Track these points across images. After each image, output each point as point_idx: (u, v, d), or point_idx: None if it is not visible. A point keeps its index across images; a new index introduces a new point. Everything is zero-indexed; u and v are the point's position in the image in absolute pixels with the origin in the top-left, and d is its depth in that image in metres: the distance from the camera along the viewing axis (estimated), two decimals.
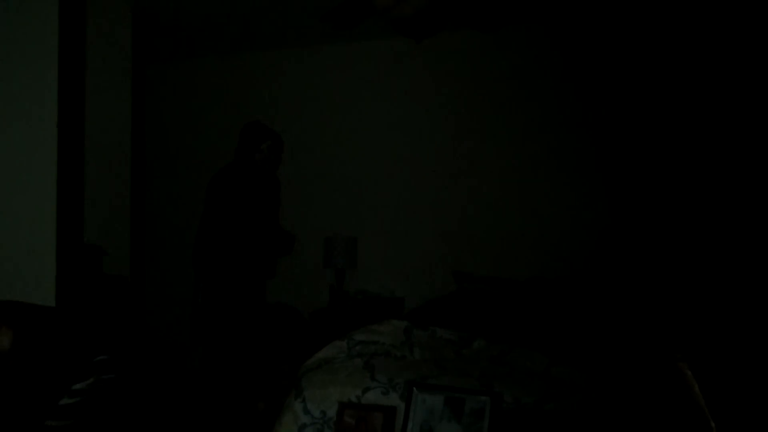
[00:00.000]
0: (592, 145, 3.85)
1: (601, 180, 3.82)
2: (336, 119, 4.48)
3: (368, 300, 4.10)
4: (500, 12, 3.73)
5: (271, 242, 3.60)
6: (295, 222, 4.29)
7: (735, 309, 3.09)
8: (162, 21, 4.07)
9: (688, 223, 3.57)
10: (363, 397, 1.98)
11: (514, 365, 2.15)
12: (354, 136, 4.44)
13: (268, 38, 4.41)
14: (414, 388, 1.89)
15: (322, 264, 4.27)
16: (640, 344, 2.51)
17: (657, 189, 3.68)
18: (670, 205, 3.64)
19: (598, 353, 2.29)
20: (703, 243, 3.50)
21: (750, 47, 3.47)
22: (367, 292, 4.20)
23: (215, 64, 4.81)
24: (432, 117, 4.24)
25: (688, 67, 3.63)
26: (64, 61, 2.76)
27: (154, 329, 4.67)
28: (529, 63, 4.01)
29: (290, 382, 2.21)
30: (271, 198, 3.64)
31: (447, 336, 2.44)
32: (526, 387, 1.92)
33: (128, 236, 3.51)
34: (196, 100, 4.88)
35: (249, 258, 3.48)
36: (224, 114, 4.76)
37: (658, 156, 3.68)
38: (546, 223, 3.91)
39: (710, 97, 3.57)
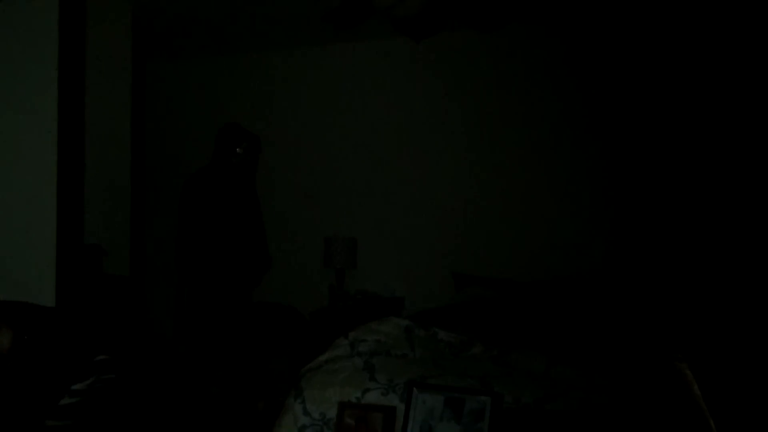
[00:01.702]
0: (592, 146, 3.85)
1: (601, 181, 3.81)
2: (336, 119, 4.48)
3: (368, 300, 4.10)
4: (500, 12, 3.73)
5: (249, 247, 3.58)
6: (296, 222, 4.29)
7: (735, 309, 3.09)
8: (162, 20, 4.07)
9: (688, 223, 3.57)
10: (363, 398, 1.98)
11: (514, 365, 2.15)
12: (354, 136, 4.44)
13: (268, 38, 4.41)
14: (414, 389, 1.89)
15: (322, 264, 4.27)
16: (639, 344, 2.51)
17: (657, 189, 3.67)
18: (670, 206, 3.63)
19: (598, 353, 2.29)
20: (702, 243, 3.50)
21: (753, 47, 3.47)
22: (367, 292, 4.20)
23: (215, 63, 4.81)
24: (432, 117, 4.23)
25: (692, 67, 3.63)
26: (64, 61, 2.76)
27: (154, 329, 4.67)
28: (530, 63, 4.01)
29: (290, 383, 2.21)
30: (248, 202, 3.62)
31: (447, 339, 2.43)
32: (526, 387, 1.92)
33: (128, 236, 3.51)
34: (196, 99, 4.87)
35: (226, 260, 3.48)
36: (224, 114, 4.74)
37: (658, 156, 3.68)
38: (547, 223, 3.91)
39: (713, 98, 3.56)
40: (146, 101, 4.90)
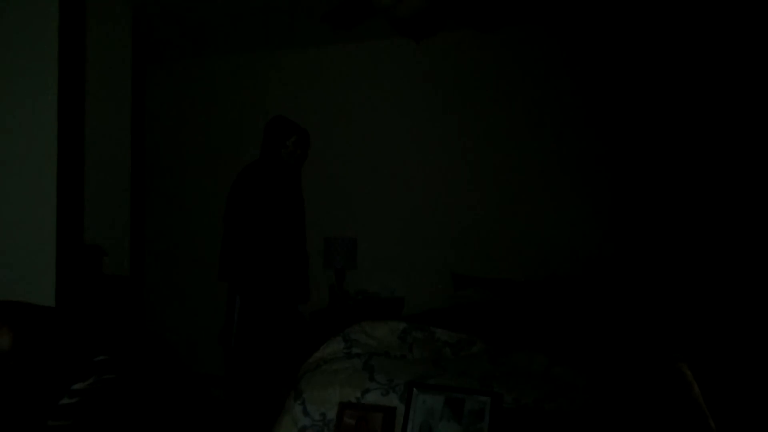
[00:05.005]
0: (591, 146, 3.85)
1: (601, 181, 3.82)
2: (335, 119, 4.48)
3: (368, 300, 4.10)
4: (500, 12, 3.73)
5: (299, 248, 3.40)
6: None
7: (735, 310, 3.09)
8: (162, 21, 4.07)
9: (688, 223, 3.57)
10: (363, 398, 1.98)
11: (514, 365, 2.15)
12: (353, 137, 4.44)
13: (267, 38, 4.41)
14: (414, 389, 1.89)
15: (322, 264, 4.27)
16: (639, 344, 2.51)
17: (657, 189, 3.68)
18: (670, 206, 3.63)
19: (598, 353, 2.29)
20: (702, 243, 3.50)
21: (752, 47, 3.47)
22: (367, 292, 4.20)
23: (215, 64, 4.81)
24: (431, 117, 4.23)
25: (689, 68, 3.63)
26: (64, 61, 2.76)
27: (154, 329, 4.67)
28: (529, 63, 4.01)
29: (289, 384, 2.21)
30: (298, 199, 3.46)
31: (446, 338, 2.43)
32: (526, 387, 1.92)
33: (128, 236, 3.51)
34: (196, 100, 4.88)
35: (282, 263, 3.29)
36: (224, 114, 4.76)
37: (658, 157, 3.68)
38: (546, 223, 3.91)
39: (712, 98, 3.56)
40: (146, 102, 4.91)
